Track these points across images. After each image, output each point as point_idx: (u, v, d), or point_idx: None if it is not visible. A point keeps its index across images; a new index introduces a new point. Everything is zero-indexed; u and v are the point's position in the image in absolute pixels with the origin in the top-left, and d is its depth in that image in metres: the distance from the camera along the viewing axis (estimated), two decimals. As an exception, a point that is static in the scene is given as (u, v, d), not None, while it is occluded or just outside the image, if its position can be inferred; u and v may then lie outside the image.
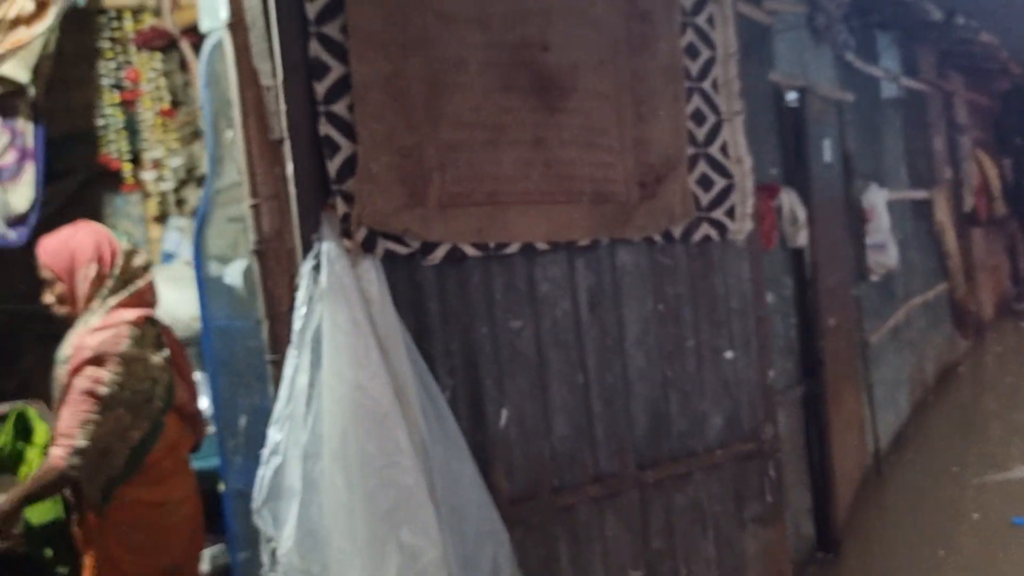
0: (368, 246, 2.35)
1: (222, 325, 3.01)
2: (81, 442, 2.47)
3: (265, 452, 2.21)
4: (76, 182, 4.98)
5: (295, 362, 2.25)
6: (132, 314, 2.66)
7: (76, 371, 2.55)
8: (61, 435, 2.51)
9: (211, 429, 3.07)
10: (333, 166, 2.34)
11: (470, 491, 2.43)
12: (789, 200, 4.18)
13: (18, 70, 4.12)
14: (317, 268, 2.29)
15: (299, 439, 2.20)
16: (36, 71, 4.27)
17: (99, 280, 2.70)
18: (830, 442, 4.36)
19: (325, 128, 2.33)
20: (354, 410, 2.21)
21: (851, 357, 5.07)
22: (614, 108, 2.78)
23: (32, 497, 2.53)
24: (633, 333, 2.86)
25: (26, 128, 4.42)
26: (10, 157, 4.38)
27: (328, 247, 2.29)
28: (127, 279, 2.72)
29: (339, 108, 2.35)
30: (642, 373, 2.85)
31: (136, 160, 4.74)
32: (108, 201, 5.05)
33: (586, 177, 2.69)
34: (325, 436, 2.21)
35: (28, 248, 5.18)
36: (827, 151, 4.86)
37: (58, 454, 2.48)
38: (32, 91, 4.24)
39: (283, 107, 2.31)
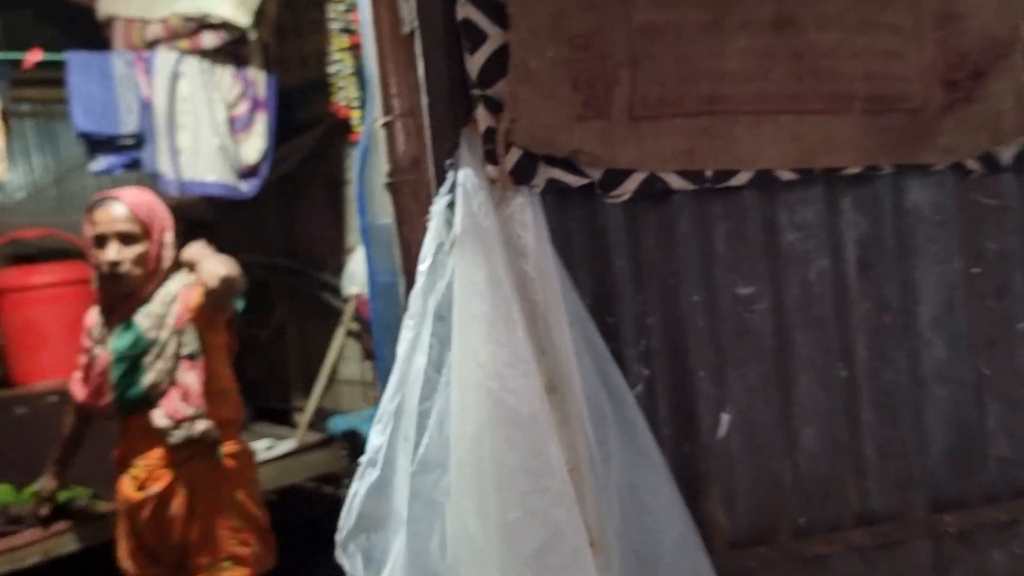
0: (522, 175, 1.58)
1: (385, 281, 2.41)
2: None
3: (362, 462, 1.52)
4: (316, 136, 4.65)
5: (412, 336, 1.54)
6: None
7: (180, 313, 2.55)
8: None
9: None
10: (475, 63, 1.58)
11: (667, 528, 1.60)
12: None
13: (238, 13, 3.76)
14: (453, 207, 1.56)
15: (409, 445, 1.49)
16: (260, 15, 3.90)
17: (171, 249, 2.60)
18: None
19: (465, 9, 1.58)
20: (489, 409, 1.47)
21: None
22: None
23: None
24: (929, 308, 1.84)
25: (258, 77, 4.09)
26: (242, 107, 4.07)
27: (465, 177, 1.55)
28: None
29: (484, -21, 1.59)
30: (942, 368, 1.84)
31: (364, 107, 4.30)
32: (347, 153, 4.62)
33: (857, 73, 1.72)
34: (452, 443, 1.49)
35: (270, 201, 4.96)
36: None
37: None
38: (254, 35, 3.88)
39: (409, -20, 1.60)
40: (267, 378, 5.08)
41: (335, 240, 4.74)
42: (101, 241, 2.49)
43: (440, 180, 1.61)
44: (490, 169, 1.57)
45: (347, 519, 1.48)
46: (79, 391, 2.72)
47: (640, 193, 1.66)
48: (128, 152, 3.79)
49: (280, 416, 4.83)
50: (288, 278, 4.95)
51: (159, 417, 2.52)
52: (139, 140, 3.78)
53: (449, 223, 1.57)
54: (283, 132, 4.35)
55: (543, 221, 1.59)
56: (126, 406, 2.57)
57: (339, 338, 4.35)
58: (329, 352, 4.36)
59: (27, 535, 3.42)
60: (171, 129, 3.82)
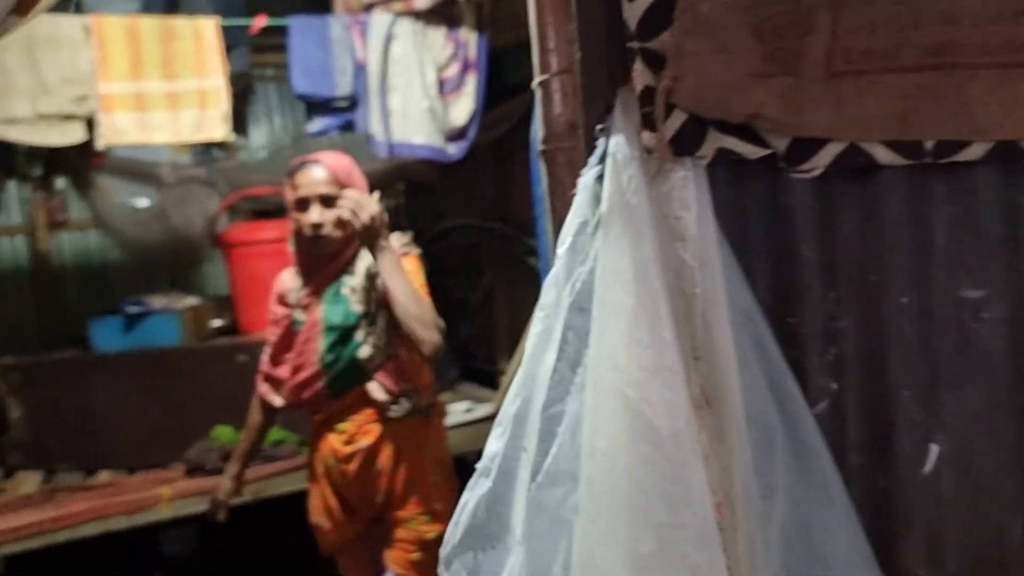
0: (686, 143, 1.31)
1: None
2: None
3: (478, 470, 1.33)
4: (528, 99, 4.50)
5: (541, 329, 1.33)
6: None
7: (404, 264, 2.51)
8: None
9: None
10: (635, 9, 1.31)
11: (847, 580, 1.29)
12: None
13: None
14: (603, 180, 1.32)
15: (530, 454, 1.29)
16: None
17: None
18: None
19: (624, -55, 1.32)
20: (626, 422, 1.23)
21: None
22: None
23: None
24: None
25: (469, 39, 4.00)
26: (453, 69, 4.00)
27: (616, 145, 1.30)
28: None
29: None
30: None
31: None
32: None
33: None
34: (583, 456, 1.27)
35: (485, 165, 4.88)
36: None
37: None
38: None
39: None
40: (475, 340, 5.07)
41: (547, 205, 4.59)
42: (303, 204, 2.49)
43: (591, 149, 1.37)
44: (646, 136, 1.31)
45: (453, 532, 1.30)
46: (274, 395, 2.71)
47: (836, 168, 1.33)
48: (342, 114, 3.83)
49: (486, 378, 4.80)
50: (499, 242, 4.88)
51: (377, 391, 2.52)
52: (353, 102, 3.81)
53: (598, 199, 1.33)
54: (495, 95, 4.24)
55: (708, 200, 1.31)
56: (339, 383, 2.54)
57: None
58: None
59: (240, 475, 3.62)
60: (383, 91, 3.82)
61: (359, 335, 2.51)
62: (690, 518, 1.18)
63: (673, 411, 1.21)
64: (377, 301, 2.50)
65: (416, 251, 2.64)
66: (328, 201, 2.47)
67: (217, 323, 4.26)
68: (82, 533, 3.30)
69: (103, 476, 3.82)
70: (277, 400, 2.70)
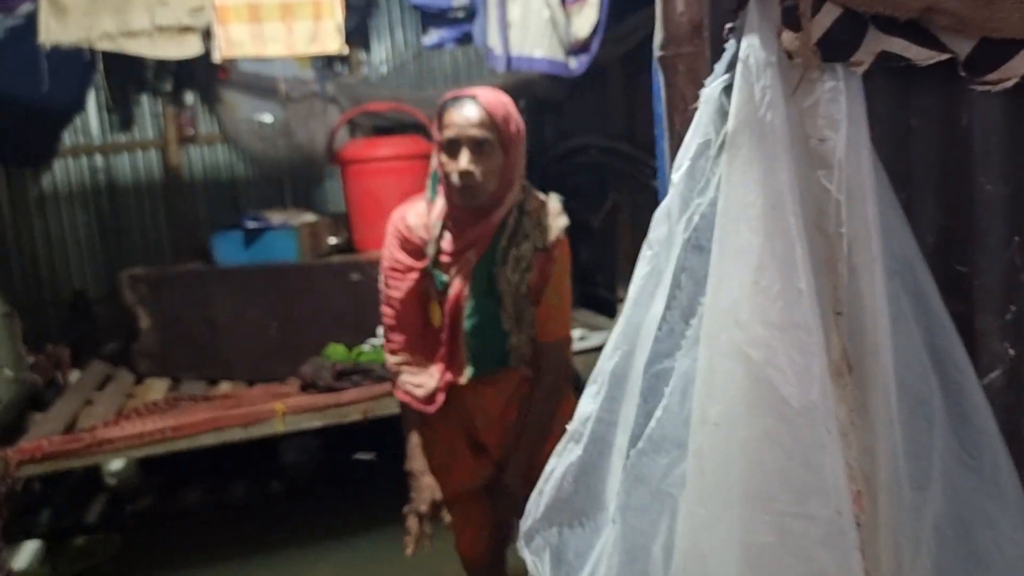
0: (838, 46, 1.03)
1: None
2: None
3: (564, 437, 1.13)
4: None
5: (648, 270, 1.10)
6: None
7: (558, 259, 2.17)
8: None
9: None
10: None
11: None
12: None
13: None
14: (729, 91, 1.07)
15: (628, 417, 1.08)
16: None
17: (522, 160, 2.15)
18: None
19: None
20: (746, 389, 1.00)
21: None
22: None
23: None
24: None
25: (595, -59, 3.65)
26: (578, -25, 3.67)
27: (749, 48, 1.04)
28: None
29: None
30: None
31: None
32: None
33: None
34: (692, 424, 1.05)
35: (613, 82, 4.57)
36: None
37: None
38: None
39: None
40: (595, 265, 4.85)
41: (675, 125, 4.27)
42: (452, 147, 2.05)
43: (717, 54, 1.12)
44: (787, 37, 1.03)
45: (536, 505, 1.12)
46: (416, 399, 2.26)
47: (1038, 77, 1.03)
48: (459, 25, 3.60)
49: (604, 305, 4.59)
50: (625, 164, 4.60)
51: (528, 371, 2.25)
52: (470, 13, 3.57)
53: (724, 115, 1.08)
54: (624, 5, 3.90)
55: (863, 118, 1.03)
56: (479, 370, 2.21)
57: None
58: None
59: (351, 393, 3.58)
60: (502, 1, 3.56)
61: (506, 322, 2.18)
62: (820, 509, 0.95)
63: (805, 378, 0.98)
64: (527, 293, 2.16)
65: (566, 223, 2.23)
66: (480, 145, 2.03)
67: (333, 240, 4.20)
68: (201, 442, 3.34)
69: (224, 387, 3.86)
70: (421, 400, 2.26)
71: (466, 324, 2.17)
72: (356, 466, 4.39)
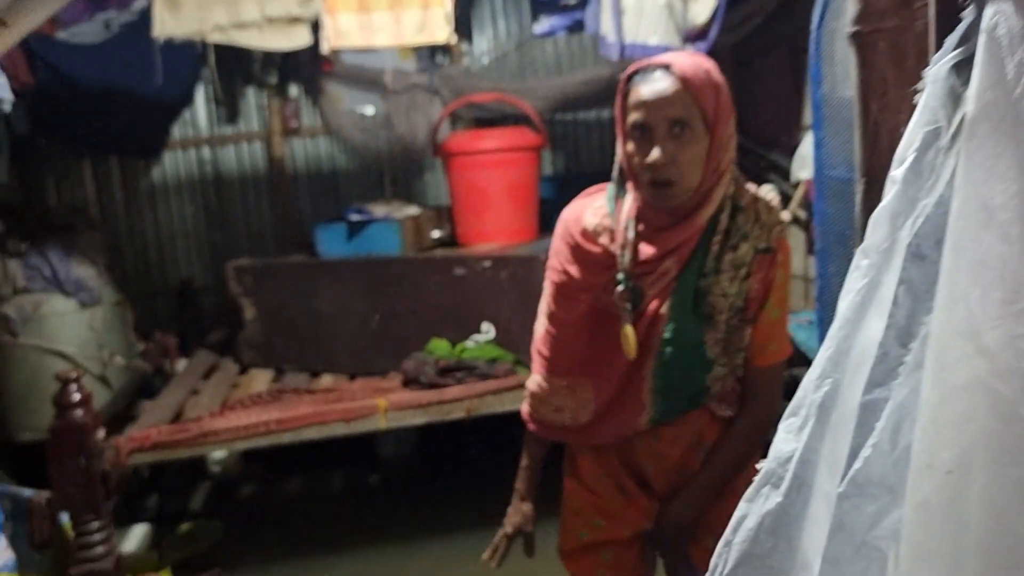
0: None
1: (841, 177, 1.71)
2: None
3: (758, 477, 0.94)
4: (776, -2, 3.89)
5: (864, 283, 0.91)
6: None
7: (782, 263, 1.64)
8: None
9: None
10: None
11: None
12: None
13: None
14: (963, 70, 0.87)
15: (838, 454, 0.89)
16: None
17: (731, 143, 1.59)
18: None
19: None
20: (990, 428, 0.81)
21: None
22: None
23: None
24: None
25: (714, -77, 3.44)
26: (695, -41, 3.46)
27: (998, 16, 0.84)
28: None
29: None
30: None
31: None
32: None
33: None
34: (913, 467, 0.86)
35: (724, 68, 4.34)
36: None
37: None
38: None
39: None
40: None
41: (790, 116, 4.02)
42: (640, 134, 1.54)
43: (944, 27, 0.92)
44: (1048, 0, 0.84)
45: (723, 556, 0.93)
46: (553, 425, 1.79)
47: None
48: (571, 12, 3.43)
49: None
50: (737, 156, 4.37)
51: (716, 409, 1.72)
52: (582, 0, 3.40)
53: (955, 98, 0.89)
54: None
55: None
56: (666, 413, 1.70)
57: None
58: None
59: (455, 390, 3.46)
60: (616, -14, 3.38)
61: (712, 347, 1.66)
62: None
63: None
64: (744, 308, 1.64)
65: (788, 218, 1.84)
66: (679, 127, 1.51)
67: (436, 234, 4.09)
68: (303, 436, 3.27)
69: (326, 380, 3.80)
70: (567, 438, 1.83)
71: (665, 352, 1.66)
72: (459, 463, 4.28)
